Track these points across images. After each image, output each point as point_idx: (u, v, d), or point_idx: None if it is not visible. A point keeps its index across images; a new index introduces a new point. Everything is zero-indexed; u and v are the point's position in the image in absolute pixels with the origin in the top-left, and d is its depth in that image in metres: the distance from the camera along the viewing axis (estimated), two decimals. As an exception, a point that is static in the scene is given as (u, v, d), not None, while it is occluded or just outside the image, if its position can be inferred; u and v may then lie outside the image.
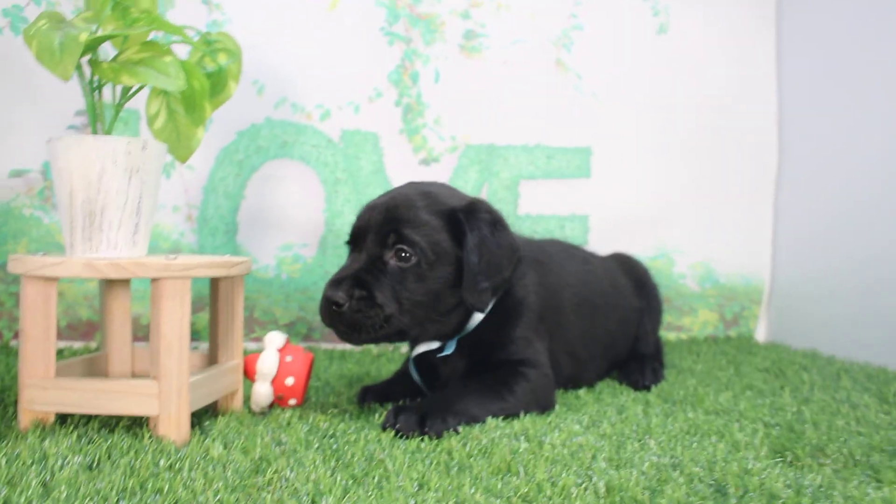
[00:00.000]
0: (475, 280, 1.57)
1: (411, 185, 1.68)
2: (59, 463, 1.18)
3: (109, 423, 1.44)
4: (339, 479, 1.16)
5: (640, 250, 2.78)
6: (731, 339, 2.86)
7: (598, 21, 2.72)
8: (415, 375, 1.77)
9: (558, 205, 2.71)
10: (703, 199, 2.84)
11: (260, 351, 1.69)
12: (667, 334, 2.85)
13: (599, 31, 2.72)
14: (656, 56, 2.77)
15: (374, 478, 1.18)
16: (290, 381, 1.66)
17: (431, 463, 1.27)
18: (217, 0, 2.38)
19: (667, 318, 2.85)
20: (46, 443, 1.27)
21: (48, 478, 1.12)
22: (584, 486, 1.16)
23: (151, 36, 1.57)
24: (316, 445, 1.35)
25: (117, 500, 1.04)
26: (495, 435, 1.44)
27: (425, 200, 1.58)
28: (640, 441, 1.44)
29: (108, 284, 1.65)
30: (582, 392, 1.93)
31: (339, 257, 2.48)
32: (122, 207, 1.41)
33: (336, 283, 1.49)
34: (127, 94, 1.52)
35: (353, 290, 1.48)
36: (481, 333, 1.69)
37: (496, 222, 1.62)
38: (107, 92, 1.54)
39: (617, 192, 2.75)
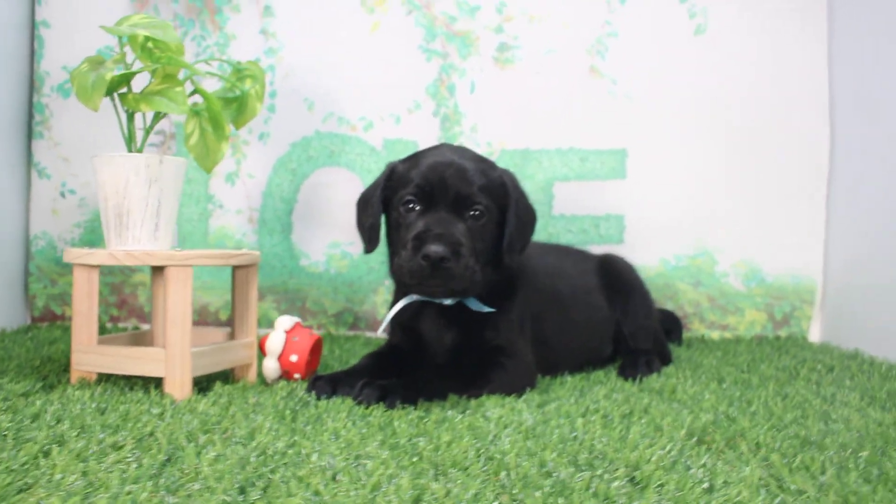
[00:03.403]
0: (513, 240, 1.81)
1: (452, 148, 1.85)
2: (78, 407, 1.54)
3: (134, 383, 1.80)
4: (276, 428, 1.43)
5: (679, 249, 2.84)
6: (780, 340, 2.83)
7: (633, 27, 2.80)
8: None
9: (593, 205, 2.83)
10: (746, 197, 2.84)
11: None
12: (710, 332, 2.88)
13: (635, 37, 2.81)
14: (694, 57, 2.80)
15: (308, 429, 1.43)
16: (294, 357, 1.95)
17: (365, 423, 1.50)
18: (272, 30, 2.75)
19: (710, 316, 2.88)
20: (78, 393, 1.65)
21: (62, 414, 1.47)
22: (478, 448, 1.34)
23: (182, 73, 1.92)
24: (281, 406, 1.62)
25: (100, 430, 1.37)
26: (439, 409, 1.63)
27: (479, 165, 1.79)
28: (568, 418, 1.58)
29: (155, 273, 2.03)
30: (570, 378, 2.07)
31: (381, 254, 2.75)
32: (143, 210, 1.76)
33: (437, 238, 1.63)
34: (157, 118, 1.88)
35: (453, 246, 1.63)
36: (475, 314, 1.84)
37: (523, 190, 1.89)
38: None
39: (654, 192, 2.82)
